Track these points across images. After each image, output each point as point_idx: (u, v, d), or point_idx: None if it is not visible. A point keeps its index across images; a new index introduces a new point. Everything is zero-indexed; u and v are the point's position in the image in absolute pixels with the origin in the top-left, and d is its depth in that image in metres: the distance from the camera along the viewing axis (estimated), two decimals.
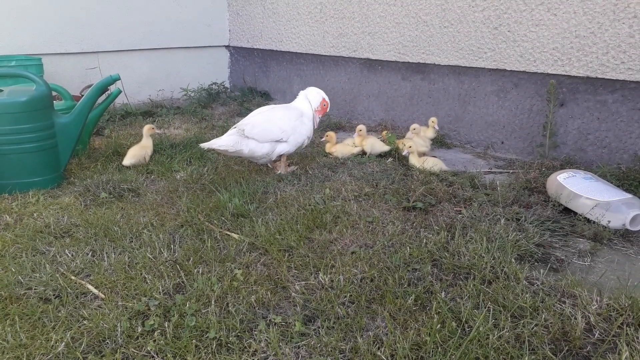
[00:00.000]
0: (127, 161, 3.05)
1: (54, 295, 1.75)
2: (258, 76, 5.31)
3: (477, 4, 3.39)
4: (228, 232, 2.21)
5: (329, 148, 3.32)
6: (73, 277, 1.85)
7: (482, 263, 1.90)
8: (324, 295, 1.73)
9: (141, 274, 1.87)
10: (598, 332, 1.56)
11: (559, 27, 3.06)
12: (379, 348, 1.49)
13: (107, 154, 3.24)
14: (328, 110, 3.10)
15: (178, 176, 2.93)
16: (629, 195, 2.30)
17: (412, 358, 1.45)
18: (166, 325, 1.57)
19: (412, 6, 3.75)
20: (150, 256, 1.99)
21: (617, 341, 1.50)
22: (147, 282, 1.81)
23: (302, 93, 3.06)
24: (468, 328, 1.56)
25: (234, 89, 5.57)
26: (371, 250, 2.05)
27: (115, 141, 3.48)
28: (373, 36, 4.06)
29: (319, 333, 1.56)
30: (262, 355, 1.47)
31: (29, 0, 4.25)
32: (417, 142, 3.27)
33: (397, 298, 1.71)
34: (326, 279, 1.82)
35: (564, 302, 1.69)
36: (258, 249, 2.07)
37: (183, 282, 1.83)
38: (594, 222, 2.28)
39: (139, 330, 1.56)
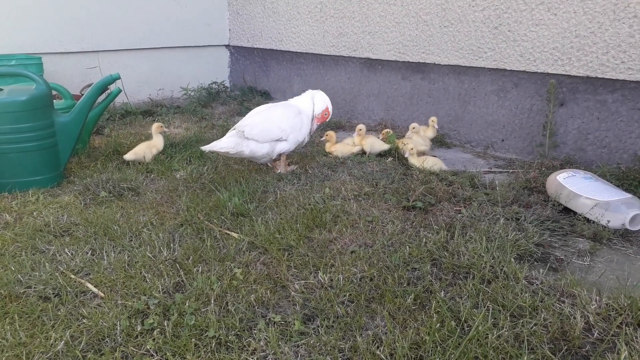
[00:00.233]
0: (127, 156, 3.06)
1: (53, 293, 1.75)
2: (258, 75, 5.31)
3: (477, 3, 3.39)
4: (228, 231, 2.21)
5: (328, 147, 3.32)
6: (72, 276, 1.85)
7: (482, 262, 1.90)
8: (323, 295, 1.73)
9: (141, 273, 1.87)
10: (597, 331, 1.56)
11: (559, 26, 3.06)
12: (378, 347, 1.49)
13: (107, 153, 3.24)
14: (327, 120, 3.10)
15: (178, 175, 2.93)
16: (629, 195, 2.30)
17: (411, 357, 1.45)
18: (165, 324, 1.57)
19: (412, 6, 3.75)
20: (149, 255, 1.99)
21: (616, 341, 1.51)
22: (146, 281, 1.82)
23: (309, 92, 3.04)
24: (467, 327, 1.56)
25: (234, 88, 5.57)
26: (371, 249, 2.05)
27: (115, 140, 3.48)
28: (373, 36, 4.06)
29: (319, 332, 1.56)
30: (262, 354, 1.47)
31: (29, 0, 4.25)
32: (416, 141, 3.27)
33: (396, 297, 1.71)
34: (326, 278, 1.82)
35: (563, 302, 1.69)
36: (258, 248, 2.07)
37: (182, 281, 1.83)
38: (593, 222, 2.28)
39: (139, 329, 1.56)
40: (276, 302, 1.73)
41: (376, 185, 2.76)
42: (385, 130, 3.44)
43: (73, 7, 4.48)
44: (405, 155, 3.06)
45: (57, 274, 1.86)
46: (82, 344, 1.50)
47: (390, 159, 3.23)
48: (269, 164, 3.08)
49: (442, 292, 1.74)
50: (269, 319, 1.62)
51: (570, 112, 3.13)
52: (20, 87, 2.77)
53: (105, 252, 2.03)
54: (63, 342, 1.50)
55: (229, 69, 5.62)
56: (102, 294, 1.76)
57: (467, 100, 3.62)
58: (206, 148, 2.68)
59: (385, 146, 3.29)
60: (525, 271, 1.87)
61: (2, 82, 3.20)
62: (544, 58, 3.15)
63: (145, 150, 3.09)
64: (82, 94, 3.58)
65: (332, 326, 1.59)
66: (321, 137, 3.43)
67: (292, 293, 1.76)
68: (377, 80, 4.17)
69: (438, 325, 1.54)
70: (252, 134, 2.74)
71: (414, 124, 3.37)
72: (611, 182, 2.58)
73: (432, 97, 3.83)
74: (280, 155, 2.93)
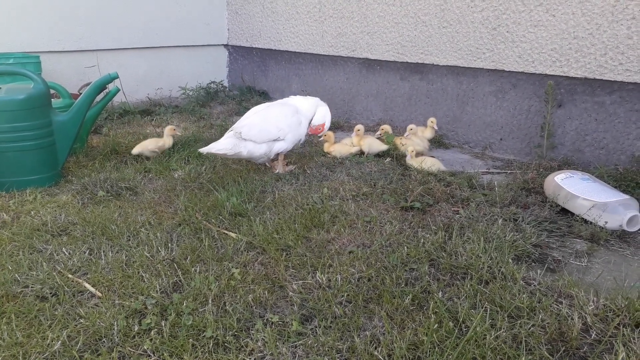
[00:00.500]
0: (135, 150, 3.14)
1: (50, 293, 1.75)
2: (257, 75, 5.31)
3: (476, 4, 3.39)
4: (226, 231, 2.21)
5: (327, 148, 3.32)
6: (70, 276, 1.85)
7: (480, 263, 1.90)
8: (321, 295, 1.73)
9: (138, 273, 1.86)
10: (595, 332, 1.56)
11: (557, 28, 3.06)
12: (376, 348, 1.49)
13: (105, 152, 3.24)
14: (318, 134, 3.12)
15: (176, 175, 2.93)
16: (626, 196, 2.31)
17: (409, 358, 1.45)
18: (163, 324, 1.56)
19: (411, 6, 3.75)
20: (147, 255, 1.99)
21: (613, 342, 1.51)
22: (144, 281, 1.81)
23: (316, 100, 3.06)
24: (465, 328, 1.56)
25: (232, 88, 5.57)
26: (369, 249, 2.05)
27: (113, 139, 3.48)
28: (372, 36, 4.06)
29: (316, 332, 1.56)
30: (259, 354, 1.47)
31: None
32: (414, 141, 3.27)
33: (394, 298, 1.71)
34: (324, 279, 1.82)
35: (561, 303, 1.69)
36: (256, 248, 2.07)
37: (180, 280, 1.83)
38: (591, 223, 2.29)
39: (136, 329, 1.56)
40: (274, 302, 1.73)
41: (374, 185, 2.76)
42: (383, 126, 3.43)
43: (71, 6, 4.47)
44: (407, 158, 3.04)
45: (54, 273, 1.85)
46: (79, 344, 1.50)
47: (388, 159, 3.23)
48: (267, 163, 3.08)
49: (440, 293, 1.74)
50: (267, 319, 1.62)
51: (568, 113, 3.14)
52: (18, 86, 2.77)
53: (103, 251, 2.02)
54: (60, 342, 1.49)
55: (227, 69, 5.62)
56: (100, 294, 1.75)
57: (465, 101, 3.63)
58: (204, 150, 2.68)
59: (383, 146, 3.29)
60: (523, 272, 1.88)
61: (0, 81, 3.19)
62: (542, 59, 3.15)
63: (153, 145, 3.16)
64: (80, 93, 3.57)
65: (330, 327, 1.59)
66: (320, 137, 3.43)
67: (290, 293, 1.76)
68: (376, 81, 4.17)
69: (436, 325, 1.54)
70: (250, 135, 2.73)
71: (411, 125, 3.37)
72: (609, 183, 2.58)
73: (430, 98, 3.83)
74: (278, 155, 2.93)
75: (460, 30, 3.51)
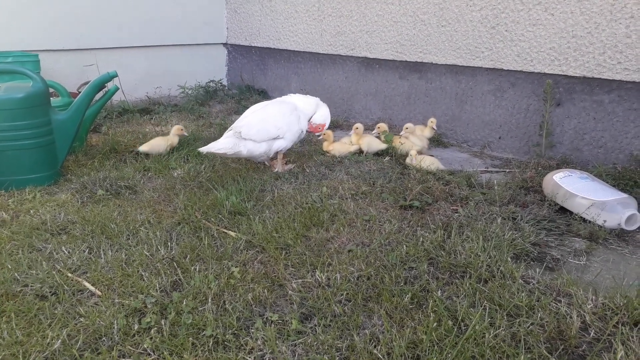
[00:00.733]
0: (142, 148, 3.18)
1: (50, 292, 1.75)
2: (256, 74, 5.31)
3: (474, 3, 3.40)
4: (225, 230, 2.21)
5: (326, 146, 3.32)
6: (69, 274, 1.85)
7: (478, 262, 1.90)
8: (320, 294, 1.73)
9: (138, 272, 1.86)
10: (593, 331, 1.56)
11: (556, 26, 3.06)
12: (375, 346, 1.49)
13: (104, 151, 3.24)
14: (317, 133, 3.14)
15: (175, 174, 2.93)
16: (625, 195, 2.31)
17: (408, 356, 1.45)
18: (163, 323, 1.57)
19: (409, 5, 3.75)
20: (147, 253, 1.99)
21: (612, 340, 1.51)
22: (143, 280, 1.81)
23: (317, 99, 3.07)
24: (464, 326, 1.57)
25: (231, 87, 5.57)
26: (368, 248, 2.05)
27: (112, 138, 3.48)
28: (371, 35, 4.06)
29: (316, 331, 1.56)
30: (259, 353, 1.48)
31: None
32: (413, 140, 3.28)
33: (393, 296, 1.71)
34: (323, 277, 1.83)
35: (560, 301, 1.70)
36: (255, 247, 2.07)
37: (180, 279, 1.83)
38: (589, 222, 2.29)
39: (136, 328, 1.56)
40: (273, 301, 1.73)
41: (373, 184, 2.76)
42: (380, 124, 3.43)
43: (70, 5, 4.46)
44: (411, 161, 3.02)
45: (54, 272, 1.86)
46: (79, 342, 1.50)
47: (387, 158, 3.23)
48: (266, 162, 3.08)
49: (439, 292, 1.75)
50: (267, 317, 1.62)
51: (566, 112, 3.14)
52: (17, 85, 2.76)
53: (103, 250, 2.02)
54: (60, 340, 1.50)
55: (226, 68, 5.62)
56: (99, 293, 1.75)
57: (464, 99, 3.63)
58: (204, 150, 2.68)
59: (382, 145, 3.29)
60: (522, 270, 1.88)
61: None
62: (541, 58, 3.15)
63: (161, 143, 3.21)
64: (79, 92, 3.57)
65: (330, 325, 1.59)
66: (319, 136, 3.43)
67: (290, 292, 1.76)
68: (375, 80, 4.17)
69: (435, 324, 1.55)
70: (250, 134, 2.73)
71: (407, 125, 3.37)
72: (607, 182, 2.59)
73: (429, 97, 3.83)
74: (277, 153, 2.93)
75: (459, 29, 3.51)
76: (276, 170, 2.97)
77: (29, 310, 1.64)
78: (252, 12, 5.10)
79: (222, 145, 2.69)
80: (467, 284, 1.77)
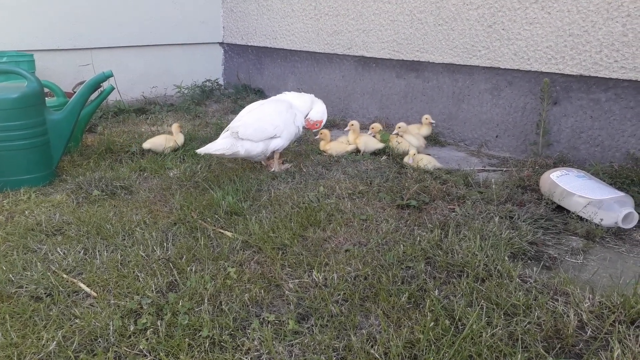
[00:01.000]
0: (145, 144, 3.22)
1: (45, 293, 1.74)
2: (252, 73, 5.29)
3: (471, 2, 3.39)
4: (221, 230, 2.21)
5: (323, 146, 3.31)
6: (65, 276, 1.84)
7: (476, 261, 1.90)
8: (317, 294, 1.73)
9: (134, 272, 1.85)
10: (590, 329, 1.56)
11: (552, 25, 3.06)
12: (372, 346, 1.48)
13: (100, 151, 3.22)
14: (314, 130, 3.13)
15: (171, 174, 2.92)
16: (621, 194, 2.31)
17: (405, 356, 1.45)
18: (159, 324, 1.56)
19: (406, 4, 3.75)
20: (143, 254, 1.98)
21: (609, 339, 1.51)
22: (139, 281, 1.80)
23: (311, 96, 3.07)
24: (461, 326, 1.56)
25: (227, 86, 5.55)
26: (365, 248, 2.04)
27: (108, 138, 3.46)
28: (367, 34, 4.05)
29: (313, 331, 1.55)
30: (256, 353, 1.47)
31: None
32: (409, 140, 3.27)
33: (390, 296, 1.71)
34: (320, 277, 1.82)
35: (557, 300, 1.70)
36: (252, 247, 2.06)
37: (176, 280, 1.82)
38: (586, 220, 2.29)
39: (132, 329, 1.55)
40: (270, 301, 1.72)
41: (370, 183, 2.76)
42: (374, 125, 3.42)
43: (66, 4, 4.44)
44: (409, 161, 3.01)
45: (49, 273, 1.84)
46: (75, 344, 1.49)
47: (384, 157, 3.23)
48: (262, 162, 3.07)
49: (436, 291, 1.74)
50: (263, 318, 1.62)
51: (563, 110, 3.14)
52: (11, 85, 2.75)
53: (98, 251, 2.01)
54: (55, 342, 1.49)
55: (222, 67, 5.60)
56: (95, 294, 1.74)
57: (461, 98, 3.63)
58: (201, 151, 2.67)
59: (379, 144, 3.29)
60: (519, 269, 1.88)
61: None
62: (538, 57, 3.15)
63: (164, 142, 3.23)
64: (75, 92, 3.56)
65: (327, 325, 1.58)
66: (315, 135, 3.43)
67: (287, 292, 1.75)
68: (372, 79, 4.17)
69: (432, 324, 1.54)
70: (247, 134, 2.73)
71: (400, 124, 3.35)
72: (604, 181, 2.59)
73: (426, 95, 3.83)
74: (274, 153, 2.92)
75: (455, 28, 3.51)
76: (273, 169, 2.96)
77: (23, 311, 1.63)
78: (248, 11, 5.09)
79: (219, 146, 2.68)
80: (465, 283, 1.77)
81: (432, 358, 1.42)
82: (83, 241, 2.09)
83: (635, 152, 2.88)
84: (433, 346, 1.47)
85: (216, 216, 2.33)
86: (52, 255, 1.98)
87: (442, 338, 1.49)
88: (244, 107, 2.98)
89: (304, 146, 3.50)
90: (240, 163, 3.11)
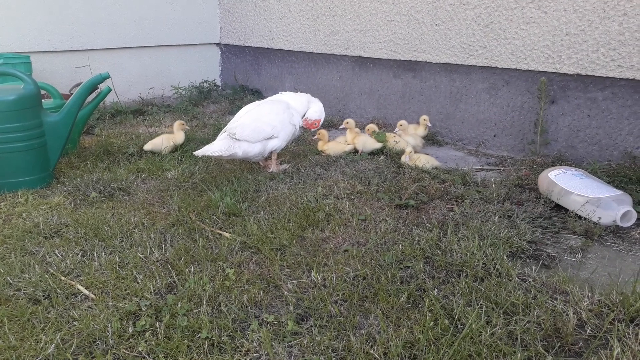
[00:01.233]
0: (146, 146, 3.21)
1: (43, 296, 1.73)
2: (249, 74, 5.29)
3: (468, 1, 3.39)
4: (220, 231, 2.20)
5: (321, 146, 3.31)
6: (63, 278, 1.83)
7: (474, 260, 1.90)
8: (316, 294, 1.72)
9: (132, 274, 1.85)
10: (590, 328, 1.56)
11: (549, 24, 3.07)
12: (371, 346, 1.48)
13: (97, 152, 3.22)
14: (312, 129, 3.13)
15: (169, 175, 2.91)
16: (619, 192, 2.32)
17: (405, 356, 1.45)
18: (157, 326, 1.55)
19: (403, 4, 3.75)
20: (141, 256, 1.97)
21: (608, 337, 1.51)
22: (138, 282, 1.80)
23: (307, 95, 3.06)
24: (461, 325, 1.56)
25: (225, 87, 5.55)
26: (364, 248, 2.04)
27: (105, 140, 3.46)
28: (365, 34, 4.05)
29: (312, 332, 1.55)
30: (255, 354, 1.47)
31: None
32: (407, 139, 3.27)
33: (389, 296, 1.71)
34: (319, 278, 1.82)
35: (556, 299, 1.70)
36: (250, 248, 2.06)
37: (174, 281, 1.81)
38: (585, 219, 2.29)
39: (130, 331, 1.54)
40: (269, 302, 1.72)
41: (369, 183, 2.75)
42: (369, 126, 3.42)
43: (62, 5, 4.43)
44: (406, 160, 3.01)
45: (47, 275, 1.84)
46: (73, 346, 1.48)
47: (382, 157, 3.23)
48: (260, 162, 3.07)
49: (435, 291, 1.74)
50: (262, 319, 1.61)
51: (561, 109, 3.15)
52: (8, 87, 2.74)
53: (96, 253, 2.00)
54: (53, 345, 1.48)
55: (220, 68, 5.60)
56: (93, 296, 1.74)
57: (458, 98, 3.63)
58: (199, 153, 2.66)
59: (377, 145, 3.29)
60: (518, 268, 1.88)
61: None
62: (535, 56, 3.16)
63: (164, 142, 3.22)
64: (72, 94, 3.54)
65: (326, 326, 1.58)
66: (313, 135, 3.43)
67: (285, 293, 1.75)
68: (369, 79, 4.17)
69: (431, 323, 1.54)
70: (244, 135, 2.72)
71: (401, 122, 3.36)
72: (602, 179, 2.59)
73: (423, 95, 3.83)
74: (271, 153, 2.92)
75: (452, 28, 3.51)
76: (271, 170, 2.96)
77: (22, 314, 1.63)
78: (245, 12, 5.09)
79: (217, 147, 2.67)
80: (464, 283, 1.77)
81: (431, 358, 1.42)
82: (81, 243, 2.09)
83: (632, 150, 2.89)
84: (432, 346, 1.47)
85: (214, 217, 2.33)
86: (50, 257, 1.98)
87: (442, 338, 1.49)
88: (241, 108, 2.98)
89: (301, 146, 3.49)
90: (238, 164, 3.10)
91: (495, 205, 2.44)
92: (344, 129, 3.41)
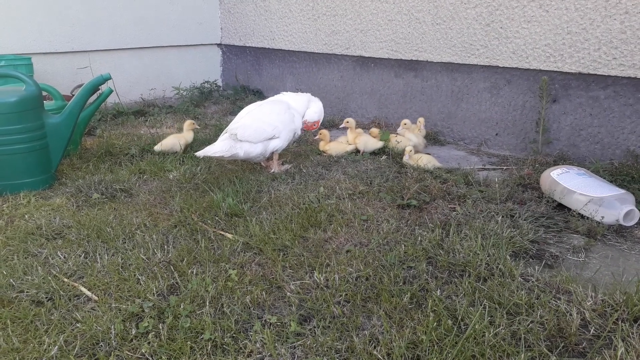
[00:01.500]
0: (157, 147, 3.23)
1: (46, 298, 1.73)
2: (250, 74, 5.29)
3: (469, 0, 3.39)
4: (222, 232, 2.20)
5: (322, 146, 3.31)
6: (65, 280, 1.83)
7: (477, 260, 1.90)
8: (319, 295, 1.72)
9: (134, 276, 1.85)
10: (593, 328, 1.56)
11: (551, 23, 3.06)
12: (375, 347, 1.48)
13: (99, 154, 3.21)
14: (312, 131, 3.13)
15: (171, 176, 2.91)
16: (622, 191, 2.31)
17: (408, 357, 1.44)
18: (160, 327, 1.55)
19: (404, 3, 3.74)
20: (143, 257, 1.97)
21: (612, 337, 1.51)
22: (140, 284, 1.80)
23: (308, 95, 3.06)
24: (464, 326, 1.56)
25: (226, 88, 5.55)
26: (366, 248, 2.04)
27: (107, 141, 3.46)
28: (365, 33, 4.05)
29: (315, 333, 1.55)
30: (258, 356, 1.46)
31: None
32: (408, 136, 3.27)
33: (392, 296, 1.70)
34: (321, 278, 1.81)
35: (559, 299, 1.69)
36: (252, 249, 2.06)
37: (177, 283, 1.81)
38: (587, 218, 2.29)
39: (133, 333, 1.54)
40: (272, 303, 1.72)
41: (370, 183, 2.75)
42: (372, 130, 3.42)
43: (63, 7, 4.43)
44: (406, 158, 3.01)
45: (49, 277, 1.84)
46: (76, 348, 1.48)
47: (384, 157, 3.22)
48: (262, 163, 3.07)
49: (438, 291, 1.74)
50: (265, 320, 1.61)
51: (563, 108, 3.14)
52: (9, 88, 2.74)
53: (99, 254, 2.01)
54: (57, 347, 1.48)
55: (221, 68, 5.59)
56: (96, 298, 1.74)
57: (460, 97, 3.62)
58: (200, 154, 2.66)
59: (379, 144, 3.28)
60: (521, 268, 1.88)
61: None
62: (536, 55, 3.15)
63: (175, 142, 3.23)
64: (73, 95, 3.54)
65: (329, 326, 1.58)
66: (315, 135, 3.42)
67: (288, 294, 1.75)
68: (370, 78, 4.16)
69: (435, 324, 1.54)
70: (245, 136, 2.72)
71: (405, 120, 3.36)
72: (604, 178, 2.59)
73: (425, 95, 3.83)
74: (273, 154, 2.92)
75: (453, 27, 3.50)
76: (272, 170, 2.96)
77: (25, 316, 1.63)
78: (246, 12, 5.08)
79: (218, 148, 2.67)
80: (466, 283, 1.77)
81: (435, 358, 1.42)
82: (83, 245, 2.09)
83: (635, 149, 2.88)
84: (436, 346, 1.47)
85: (216, 218, 2.33)
86: (52, 259, 1.98)
87: (445, 338, 1.49)
88: (242, 108, 2.98)
89: (303, 147, 3.49)
90: (240, 164, 3.10)
91: (498, 204, 2.43)
92: (345, 129, 3.41)
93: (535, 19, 3.12)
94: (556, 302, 1.67)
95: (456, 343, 1.46)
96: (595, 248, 2.11)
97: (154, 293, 1.74)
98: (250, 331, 1.56)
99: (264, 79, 5.15)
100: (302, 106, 3.00)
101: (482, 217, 2.29)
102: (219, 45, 5.52)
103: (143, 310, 1.65)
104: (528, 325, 1.55)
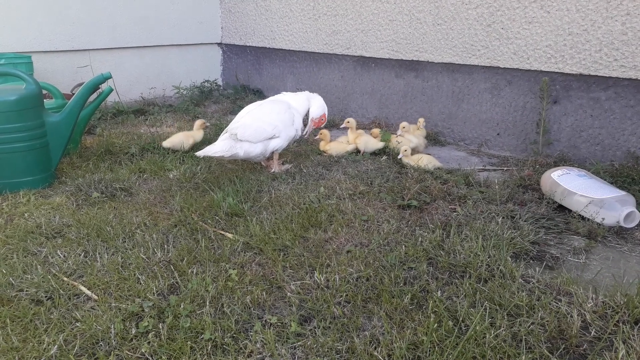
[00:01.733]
0: (165, 143, 3.25)
1: (46, 297, 1.73)
2: (251, 74, 5.28)
3: (470, 1, 3.39)
4: (222, 232, 2.20)
5: (323, 146, 3.30)
6: (65, 279, 1.83)
7: (478, 261, 1.89)
8: (319, 295, 1.72)
9: (134, 275, 1.84)
10: (594, 330, 1.56)
11: (552, 24, 3.06)
12: (375, 348, 1.48)
13: (99, 153, 3.21)
14: (322, 126, 3.13)
15: (171, 175, 2.91)
16: (623, 193, 2.31)
17: (409, 358, 1.44)
18: (160, 327, 1.55)
19: (405, 3, 3.74)
20: (143, 256, 1.97)
21: (613, 339, 1.51)
22: (140, 283, 1.79)
23: (306, 93, 3.06)
24: (465, 327, 1.55)
25: (226, 87, 5.54)
26: (367, 249, 2.04)
27: (107, 140, 3.45)
28: (366, 33, 4.05)
29: (315, 333, 1.55)
30: (258, 356, 1.46)
31: None
32: (409, 138, 3.27)
33: (393, 297, 1.70)
34: (322, 279, 1.81)
35: (560, 300, 1.69)
36: (253, 249, 2.05)
37: (177, 282, 1.81)
38: (588, 220, 2.29)
39: (133, 332, 1.54)
40: (272, 303, 1.71)
41: (371, 184, 2.75)
42: (373, 131, 3.42)
43: (63, 5, 4.43)
44: (401, 157, 3.02)
45: (49, 276, 1.83)
46: (76, 348, 1.48)
47: (384, 157, 3.22)
48: (262, 162, 3.06)
49: (439, 292, 1.74)
50: (265, 320, 1.61)
51: (563, 109, 3.14)
52: (9, 87, 2.73)
53: (99, 253, 2.00)
54: (56, 346, 1.48)
55: (221, 67, 5.59)
56: (96, 297, 1.73)
57: (460, 98, 3.62)
58: (200, 154, 2.65)
59: (379, 144, 3.28)
60: (522, 270, 1.87)
61: None
62: (537, 56, 3.15)
63: (183, 139, 3.27)
64: (73, 94, 3.54)
65: (329, 327, 1.58)
66: (315, 135, 3.42)
67: (288, 294, 1.75)
68: (371, 78, 4.16)
69: (435, 325, 1.53)
70: (245, 135, 2.71)
71: (403, 123, 3.35)
72: (605, 180, 2.58)
73: (425, 95, 3.82)
74: (273, 153, 2.92)
75: (454, 27, 3.50)
76: (273, 170, 2.95)
77: (24, 315, 1.62)
78: (246, 12, 5.08)
79: (218, 148, 2.67)
80: (467, 284, 1.76)
81: None
82: (83, 244, 2.08)
83: (635, 150, 2.88)
84: (437, 348, 1.46)
85: (217, 218, 2.32)
86: (52, 258, 1.97)
87: (446, 339, 1.49)
88: (242, 108, 2.98)
89: (304, 146, 3.49)
90: (240, 164, 3.10)
91: (498, 205, 2.43)
92: (346, 129, 3.41)
93: (537, 20, 3.11)
94: (557, 303, 1.67)
95: (457, 344, 1.46)
96: (596, 250, 2.11)
97: (154, 292, 1.74)
98: (250, 331, 1.56)
99: (265, 79, 5.15)
100: (302, 105, 3.00)
101: (483, 218, 2.29)
102: (219, 44, 5.52)
103: (143, 310, 1.64)
104: (529, 326, 1.55)
